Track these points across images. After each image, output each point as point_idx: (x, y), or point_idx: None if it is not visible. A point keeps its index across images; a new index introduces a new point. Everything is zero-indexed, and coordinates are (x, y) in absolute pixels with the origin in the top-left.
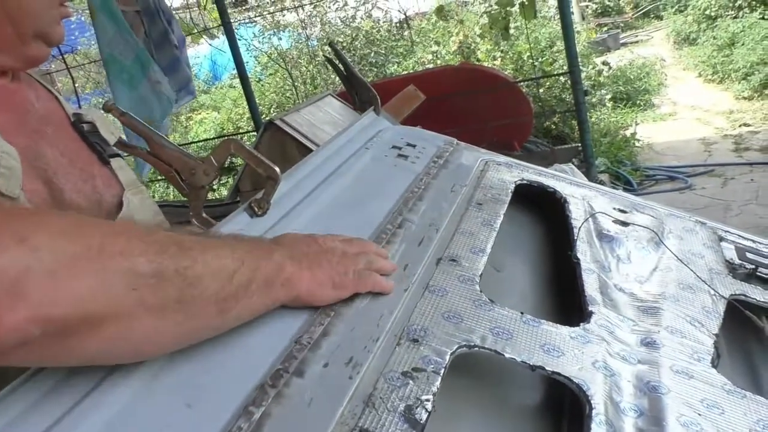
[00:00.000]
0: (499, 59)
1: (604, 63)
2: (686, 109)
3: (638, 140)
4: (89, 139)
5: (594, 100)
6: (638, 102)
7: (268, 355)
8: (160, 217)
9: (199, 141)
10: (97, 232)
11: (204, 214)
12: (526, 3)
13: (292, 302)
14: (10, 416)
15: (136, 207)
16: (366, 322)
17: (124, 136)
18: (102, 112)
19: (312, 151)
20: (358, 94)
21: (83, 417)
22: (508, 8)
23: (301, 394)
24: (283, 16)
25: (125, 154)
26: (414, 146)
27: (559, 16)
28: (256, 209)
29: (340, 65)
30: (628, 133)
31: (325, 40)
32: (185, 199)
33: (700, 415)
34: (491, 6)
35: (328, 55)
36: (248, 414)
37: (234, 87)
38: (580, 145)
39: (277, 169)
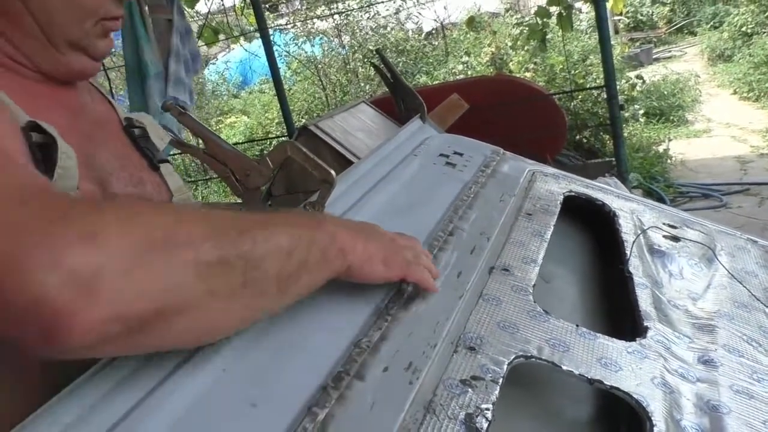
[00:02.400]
0: (532, 71)
1: (638, 77)
2: (721, 126)
3: (671, 156)
4: (140, 144)
5: (627, 114)
6: (672, 118)
7: (328, 358)
8: None
9: None
10: (161, 222)
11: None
12: (564, 14)
13: (345, 274)
14: (78, 411)
15: None
16: (423, 327)
17: (188, 135)
18: (151, 117)
19: (345, 157)
20: (404, 102)
21: (149, 414)
22: (545, 19)
23: (363, 397)
24: (314, 25)
25: (176, 156)
26: (461, 155)
27: (591, 30)
28: (310, 212)
29: (387, 72)
30: (661, 148)
31: (356, 48)
32: (215, 200)
33: None
34: (523, 17)
35: (375, 62)
36: (312, 414)
37: (264, 92)
38: (613, 159)
39: (333, 173)
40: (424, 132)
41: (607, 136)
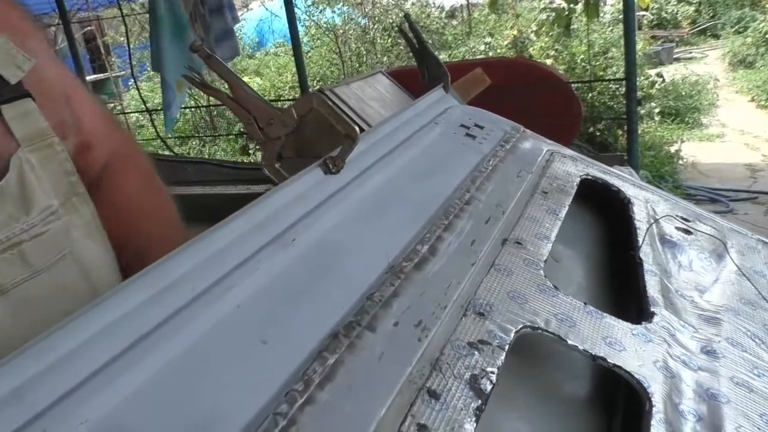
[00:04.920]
0: (553, 58)
1: (659, 75)
2: (735, 133)
3: (682, 158)
4: None
5: (643, 111)
6: (686, 119)
7: (340, 307)
8: (73, 178)
9: None
10: None
11: (277, 166)
12: (591, 1)
13: None
14: (92, 331)
15: (32, 167)
16: (435, 289)
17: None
18: (2, 42)
19: (358, 126)
20: (428, 70)
21: (161, 342)
22: (572, 5)
23: (373, 348)
24: None
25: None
26: (482, 128)
27: (614, 23)
28: (330, 166)
29: (414, 38)
30: (672, 149)
31: (375, 19)
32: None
33: (759, 429)
34: (550, 2)
35: (402, 27)
36: (323, 359)
37: (278, 55)
38: (625, 154)
39: (357, 129)
40: (446, 102)
41: (620, 132)
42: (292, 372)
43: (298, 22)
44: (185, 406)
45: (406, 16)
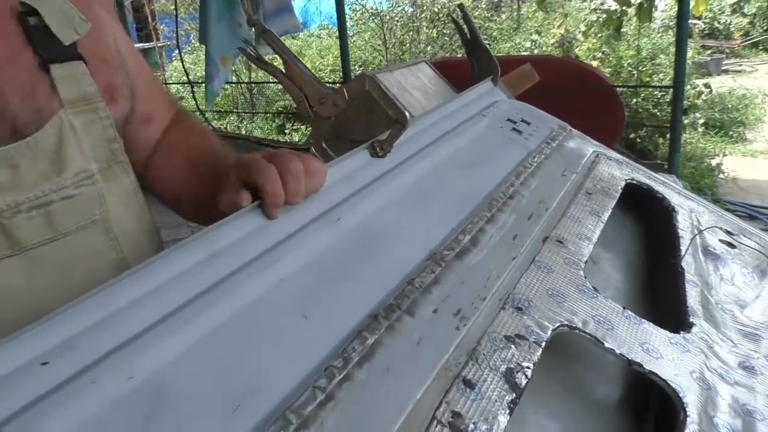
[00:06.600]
0: (599, 60)
1: (706, 85)
2: None
3: (723, 171)
4: (32, 38)
5: (687, 121)
6: (731, 133)
7: (380, 289)
8: (115, 145)
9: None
10: None
11: (324, 145)
12: (645, 5)
13: None
14: (137, 293)
15: (73, 129)
16: (474, 280)
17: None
18: (61, 3)
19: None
20: (478, 62)
21: (205, 308)
22: (624, 7)
23: (411, 332)
24: None
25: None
26: (529, 123)
27: (663, 30)
28: (378, 150)
29: (466, 29)
30: (714, 162)
31: (422, 8)
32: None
33: None
34: (601, 3)
35: (454, 17)
36: (362, 338)
37: (321, 38)
38: (665, 163)
39: (408, 114)
40: (494, 95)
41: (662, 140)
42: (332, 348)
43: (345, 5)
44: (227, 372)
45: (461, 6)
